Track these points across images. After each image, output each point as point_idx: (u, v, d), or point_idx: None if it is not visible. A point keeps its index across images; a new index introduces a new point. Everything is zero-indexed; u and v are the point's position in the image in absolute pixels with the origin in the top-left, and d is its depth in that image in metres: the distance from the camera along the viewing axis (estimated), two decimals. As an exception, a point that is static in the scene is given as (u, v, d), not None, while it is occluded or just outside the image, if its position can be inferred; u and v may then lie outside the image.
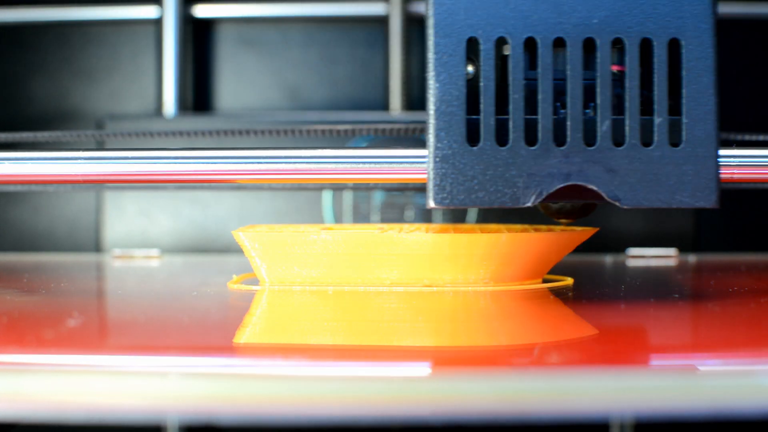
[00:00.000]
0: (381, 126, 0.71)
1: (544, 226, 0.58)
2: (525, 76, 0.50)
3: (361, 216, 0.90)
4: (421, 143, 0.81)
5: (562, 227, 0.57)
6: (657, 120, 0.49)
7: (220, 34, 1.00)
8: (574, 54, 0.49)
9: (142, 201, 0.93)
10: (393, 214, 0.91)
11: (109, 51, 0.99)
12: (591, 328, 0.44)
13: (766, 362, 0.36)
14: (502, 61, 0.50)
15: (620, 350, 0.39)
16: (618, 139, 0.49)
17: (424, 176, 0.49)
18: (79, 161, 0.52)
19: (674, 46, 0.50)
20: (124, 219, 0.93)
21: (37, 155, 0.53)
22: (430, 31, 0.50)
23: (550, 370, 0.35)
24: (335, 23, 0.99)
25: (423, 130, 0.78)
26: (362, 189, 0.89)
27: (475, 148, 0.49)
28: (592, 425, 0.56)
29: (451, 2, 0.49)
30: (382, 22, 0.96)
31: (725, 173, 0.51)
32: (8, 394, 0.32)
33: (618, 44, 0.50)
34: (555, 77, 0.50)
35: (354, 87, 0.99)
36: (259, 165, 0.52)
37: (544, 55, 0.49)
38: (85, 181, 0.52)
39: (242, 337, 0.42)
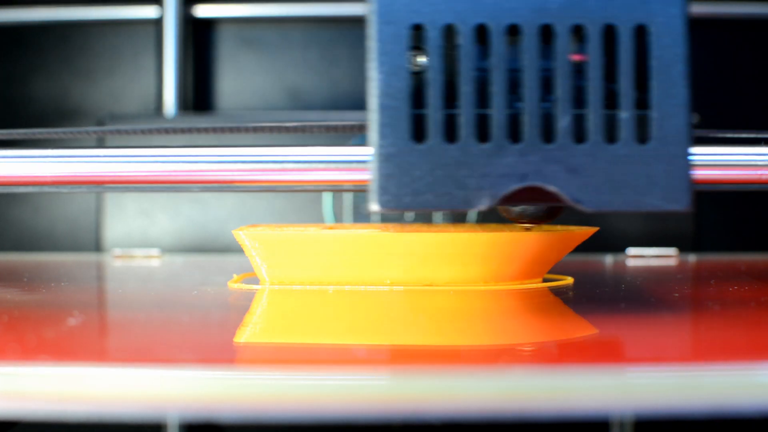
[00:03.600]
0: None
1: (544, 226, 0.58)
2: (477, 67, 0.46)
3: (361, 216, 0.90)
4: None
5: (563, 227, 0.57)
6: (623, 114, 0.46)
7: (220, 34, 1.00)
8: (529, 42, 0.46)
9: (142, 201, 0.93)
10: (393, 214, 0.91)
11: (109, 51, 0.99)
12: (591, 328, 0.44)
13: (766, 362, 0.36)
14: (454, 51, 0.46)
15: (620, 350, 0.39)
16: (580, 136, 0.46)
17: (367, 177, 0.46)
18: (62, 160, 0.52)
19: (641, 34, 0.46)
20: (124, 219, 0.93)
21: (24, 154, 0.52)
22: (372, 18, 0.46)
23: (550, 370, 0.35)
24: (335, 23, 0.99)
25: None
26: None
27: (422, 145, 0.45)
28: (592, 424, 0.56)
29: None
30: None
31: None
32: (8, 393, 0.32)
33: (579, 31, 0.46)
34: (510, 68, 0.46)
35: (354, 87, 0.99)
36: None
37: (497, 43, 0.46)
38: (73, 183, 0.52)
39: (242, 336, 0.42)
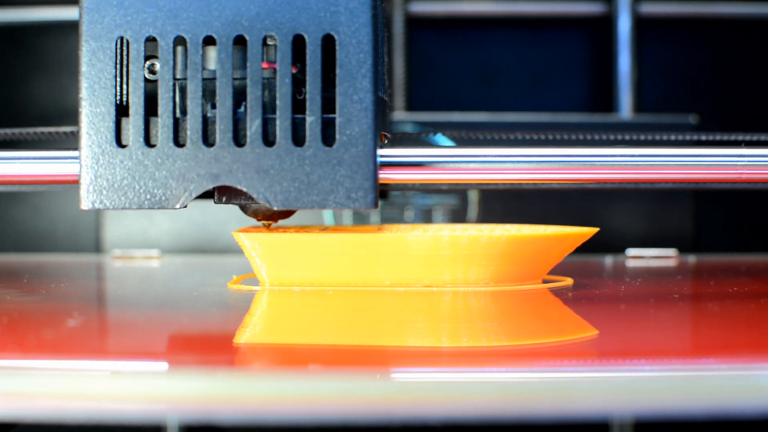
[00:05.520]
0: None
1: (544, 227, 0.58)
2: (181, 76, 0.50)
3: (360, 216, 0.90)
4: (424, 144, 0.80)
5: (561, 228, 0.57)
6: (309, 119, 0.49)
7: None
8: (224, 52, 0.49)
9: (142, 201, 0.93)
10: (393, 214, 0.91)
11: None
12: (591, 328, 0.44)
13: (765, 362, 0.36)
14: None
15: (620, 350, 0.39)
16: (271, 139, 0.49)
17: (77, 177, 0.50)
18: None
19: (331, 42, 0.49)
20: (124, 219, 0.93)
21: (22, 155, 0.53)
22: (81, 30, 0.50)
23: (550, 370, 0.35)
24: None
25: (426, 133, 0.78)
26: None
27: (124, 149, 0.49)
28: (592, 425, 0.56)
29: (101, 2, 0.50)
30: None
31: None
32: (8, 394, 0.32)
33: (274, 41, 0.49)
34: (210, 77, 0.49)
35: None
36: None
37: (193, 53, 0.49)
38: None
39: (242, 337, 0.42)
